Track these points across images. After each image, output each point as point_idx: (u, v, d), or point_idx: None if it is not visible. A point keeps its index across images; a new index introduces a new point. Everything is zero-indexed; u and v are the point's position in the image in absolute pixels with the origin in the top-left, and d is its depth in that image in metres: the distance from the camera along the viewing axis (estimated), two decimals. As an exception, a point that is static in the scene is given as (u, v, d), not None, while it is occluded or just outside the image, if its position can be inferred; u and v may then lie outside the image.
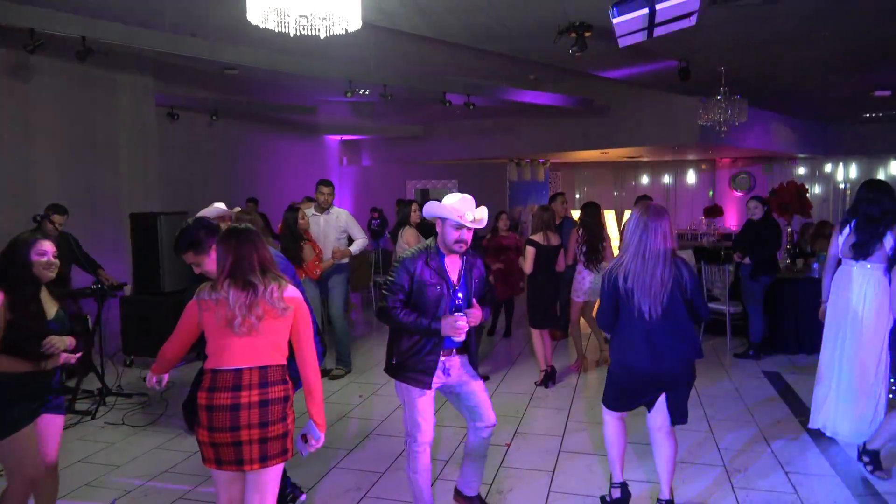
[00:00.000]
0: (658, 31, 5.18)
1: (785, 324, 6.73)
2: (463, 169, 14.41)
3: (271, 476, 2.50)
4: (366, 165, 15.39)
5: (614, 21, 4.95)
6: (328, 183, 6.25)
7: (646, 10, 4.74)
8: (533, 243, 5.60)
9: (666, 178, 16.85)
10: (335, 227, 6.18)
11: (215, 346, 2.48)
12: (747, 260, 6.50)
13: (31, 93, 7.40)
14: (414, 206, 6.30)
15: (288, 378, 2.55)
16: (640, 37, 5.28)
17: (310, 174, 12.50)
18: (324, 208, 6.18)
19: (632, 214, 3.27)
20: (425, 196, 13.56)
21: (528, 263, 5.61)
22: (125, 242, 7.08)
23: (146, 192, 8.73)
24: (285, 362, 2.55)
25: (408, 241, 6.27)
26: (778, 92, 10.52)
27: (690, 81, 8.40)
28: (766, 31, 6.88)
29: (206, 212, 3.85)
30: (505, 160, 13.94)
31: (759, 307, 6.48)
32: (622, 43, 5.41)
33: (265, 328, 2.46)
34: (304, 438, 2.61)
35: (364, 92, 9.05)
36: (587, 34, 6.29)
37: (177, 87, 9.51)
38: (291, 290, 2.56)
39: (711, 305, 7.13)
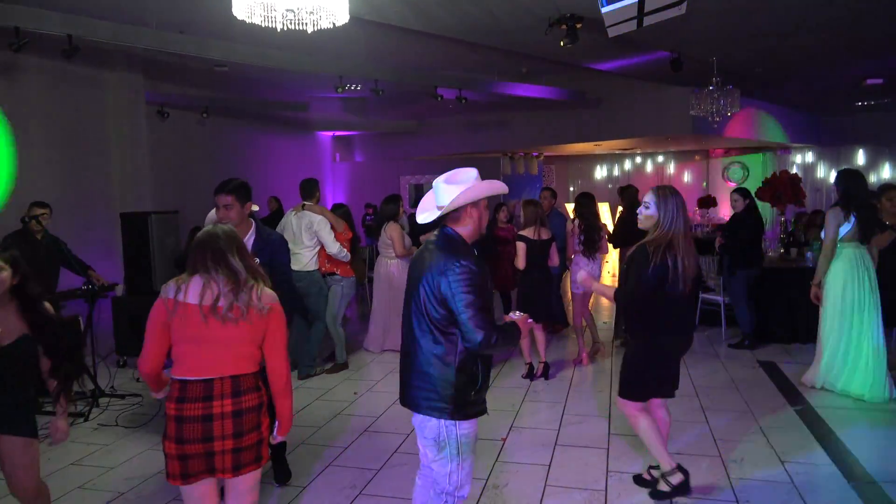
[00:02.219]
0: (648, 20, 5.15)
1: (779, 313, 6.72)
2: (456, 163, 14.00)
3: (251, 483, 2.42)
4: (359, 161, 15.34)
5: (603, 10, 4.92)
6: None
7: (635, -1, 4.72)
8: (523, 238, 5.55)
9: (660, 170, 16.86)
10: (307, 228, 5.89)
11: (182, 351, 2.33)
12: (718, 250, 6.60)
13: (18, 92, 7.32)
14: (401, 204, 6.42)
15: (261, 384, 2.44)
16: (630, 26, 5.26)
17: (302, 171, 12.43)
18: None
19: (661, 198, 3.22)
20: (419, 191, 13.49)
21: (520, 259, 5.55)
22: (116, 242, 7.03)
23: (137, 192, 8.66)
24: (258, 369, 2.42)
25: (391, 237, 6.32)
26: (770, 81, 10.52)
27: (683, 72, 8.38)
28: (757, 20, 6.86)
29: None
30: (498, 154, 13.91)
31: (742, 300, 6.45)
32: (612, 33, 5.38)
33: (242, 329, 2.33)
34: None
35: (355, 87, 9.00)
36: (578, 26, 6.27)
37: (166, 84, 9.43)
38: (269, 292, 2.44)
39: (706, 296, 7.14)
